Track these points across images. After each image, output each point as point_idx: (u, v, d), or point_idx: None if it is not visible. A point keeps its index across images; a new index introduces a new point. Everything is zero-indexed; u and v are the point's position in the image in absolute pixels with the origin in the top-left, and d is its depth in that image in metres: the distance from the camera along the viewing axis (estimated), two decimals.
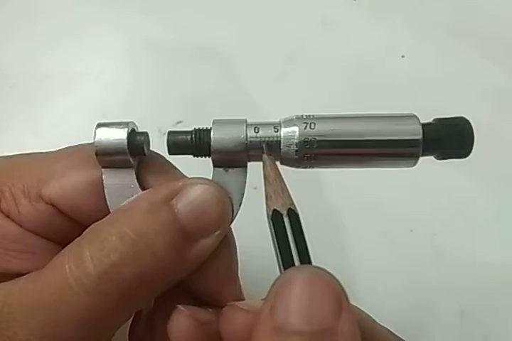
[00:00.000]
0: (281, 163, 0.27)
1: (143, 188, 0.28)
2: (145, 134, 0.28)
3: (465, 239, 0.47)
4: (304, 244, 0.23)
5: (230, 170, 0.27)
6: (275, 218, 0.24)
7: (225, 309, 0.27)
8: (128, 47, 0.57)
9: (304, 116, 0.26)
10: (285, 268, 0.23)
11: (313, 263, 0.23)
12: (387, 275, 0.46)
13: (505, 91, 0.54)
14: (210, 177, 0.27)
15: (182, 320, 0.27)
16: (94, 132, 0.27)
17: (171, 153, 0.27)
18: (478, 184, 0.49)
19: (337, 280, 0.21)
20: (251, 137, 0.26)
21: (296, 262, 0.23)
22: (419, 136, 0.26)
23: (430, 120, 0.27)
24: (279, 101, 0.53)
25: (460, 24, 0.58)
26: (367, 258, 0.47)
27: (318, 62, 0.56)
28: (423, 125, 0.26)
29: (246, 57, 0.56)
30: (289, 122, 0.26)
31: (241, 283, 0.30)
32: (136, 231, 0.25)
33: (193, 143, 0.27)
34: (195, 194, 0.26)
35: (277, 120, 0.27)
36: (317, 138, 0.26)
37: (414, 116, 0.26)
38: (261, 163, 0.26)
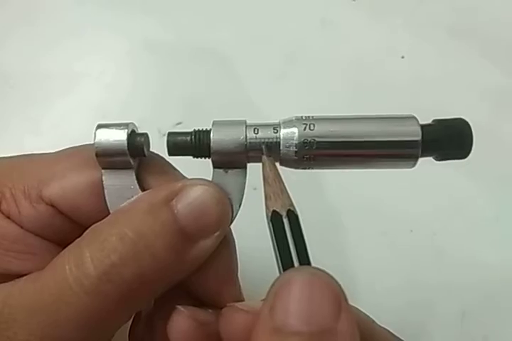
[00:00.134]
0: (281, 164, 0.27)
1: (143, 189, 0.28)
2: (145, 135, 0.28)
3: (465, 239, 0.47)
4: (303, 245, 0.23)
5: (230, 171, 0.27)
6: (274, 219, 0.24)
7: (224, 310, 0.27)
8: (128, 47, 0.57)
9: (304, 117, 0.26)
10: (284, 269, 0.23)
11: (313, 263, 0.23)
12: (386, 275, 0.46)
13: (504, 92, 0.54)
14: (210, 178, 0.27)
15: (182, 320, 0.27)
16: (95, 133, 0.27)
17: (170, 154, 0.27)
18: (477, 184, 0.49)
19: (336, 281, 0.21)
20: (250, 138, 0.26)
21: (296, 263, 0.23)
22: (418, 137, 0.26)
23: (429, 121, 0.27)
24: (279, 101, 0.53)
25: (460, 25, 0.58)
26: (366, 258, 0.47)
27: (318, 62, 0.56)
28: (422, 126, 0.26)
29: (246, 58, 0.56)
30: (289, 123, 0.26)
31: (240, 284, 0.30)
32: (136, 231, 0.25)
33: (193, 144, 0.27)
34: (194, 195, 0.26)
35: (277, 121, 0.27)
36: (316, 139, 0.26)
37: (413, 117, 0.26)
38: (260, 164, 0.26)
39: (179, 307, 0.27)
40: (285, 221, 0.24)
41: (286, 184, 0.25)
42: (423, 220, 0.48)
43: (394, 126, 0.26)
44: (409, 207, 0.49)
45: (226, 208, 0.27)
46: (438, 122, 0.27)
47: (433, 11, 0.59)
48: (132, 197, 0.27)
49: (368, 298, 0.40)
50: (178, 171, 0.30)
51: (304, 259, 0.23)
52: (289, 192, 0.25)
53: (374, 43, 0.57)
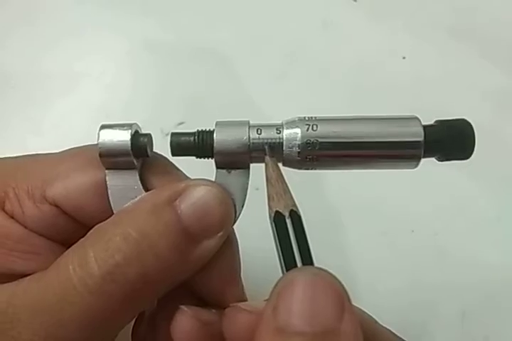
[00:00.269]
0: (284, 165, 0.27)
1: (146, 189, 0.28)
2: (148, 136, 0.28)
3: (466, 239, 0.48)
4: (306, 245, 0.23)
5: (233, 171, 0.27)
6: (277, 220, 0.24)
7: (227, 310, 0.27)
8: (128, 47, 0.57)
9: (306, 118, 0.26)
10: (287, 270, 0.23)
11: (315, 264, 0.23)
12: (388, 275, 0.46)
13: (506, 93, 0.54)
14: (213, 179, 0.27)
15: (185, 320, 0.27)
16: (98, 134, 0.27)
17: (174, 154, 0.28)
18: (479, 184, 0.49)
19: (339, 282, 0.21)
20: (253, 139, 0.26)
21: (299, 263, 0.23)
22: (421, 138, 0.26)
23: (431, 121, 0.27)
24: (279, 101, 0.54)
25: (460, 26, 0.58)
26: (368, 258, 0.47)
27: (319, 63, 0.57)
28: (425, 127, 0.26)
29: (246, 58, 0.56)
30: (292, 124, 0.26)
31: (243, 284, 0.30)
32: (140, 231, 0.25)
33: (196, 144, 0.27)
34: (198, 195, 0.26)
35: (279, 122, 0.27)
36: (319, 139, 0.26)
37: (416, 118, 0.26)
38: (263, 164, 0.26)
39: (182, 307, 0.28)
40: (288, 221, 0.24)
41: (288, 184, 0.25)
42: (424, 220, 0.48)
43: (397, 127, 0.26)
44: (410, 206, 0.49)
45: (229, 208, 0.27)
46: (440, 123, 0.27)
47: (433, 11, 0.59)
48: (136, 197, 0.27)
49: (369, 298, 0.40)
50: (182, 171, 0.30)
51: (307, 259, 0.23)
52: (291, 192, 0.25)
53: (375, 44, 0.57)
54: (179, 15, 0.59)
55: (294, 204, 0.24)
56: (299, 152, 0.26)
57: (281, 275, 0.22)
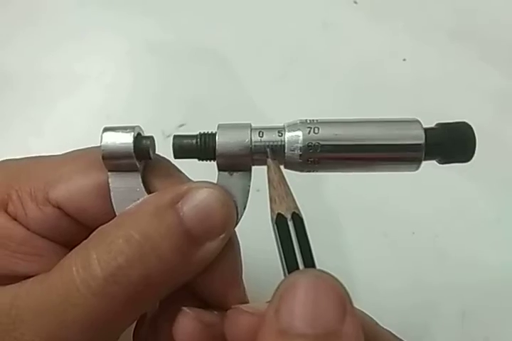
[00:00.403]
0: (285, 167, 0.27)
1: (149, 192, 0.28)
2: (151, 138, 0.28)
3: (466, 240, 0.48)
4: (308, 247, 0.23)
5: (235, 173, 0.28)
6: (279, 222, 0.24)
7: (229, 311, 0.27)
8: (129, 48, 0.57)
9: (308, 121, 0.27)
10: (289, 272, 0.23)
11: (317, 266, 0.23)
12: (388, 276, 0.46)
13: (507, 95, 0.54)
14: (215, 181, 0.27)
15: (187, 321, 0.27)
16: (101, 136, 0.27)
17: (176, 156, 0.28)
18: (478, 186, 0.50)
19: (341, 284, 0.21)
20: (255, 141, 0.27)
21: (301, 266, 0.23)
22: (422, 141, 0.26)
23: (432, 123, 0.27)
24: (280, 102, 0.54)
25: (461, 27, 0.58)
26: (368, 260, 0.47)
27: (319, 64, 0.57)
28: (425, 130, 0.26)
29: (247, 59, 0.57)
30: (293, 126, 0.27)
31: (245, 286, 0.30)
32: (142, 234, 0.25)
33: (198, 147, 0.27)
34: (200, 197, 0.26)
35: (281, 124, 0.27)
36: (321, 142, 0.26)
37: (417, 121, 0.27)
38: (265, 167, 0.26)
39: (184, 308, 0.28)
40: (290, 224, 0.24)
41: (290, 187, 0.25)
42: (425, 222, 0.48)
43: (398, 130, 0.26)
44: (411, 208, 0.49)
45: (231, 210, 0.27)
46: (441, 126, 0.27)
47: (434, 13, 0.60)
48: (138, 199, 0.27)
49: (369, 300, 0.40)
50: (184, 174, 0.30)
51: (309, 262, 0.23)
52: (293, 195, 0.25)
53: (375, 46, 0.58)
54: (179, 16, 0.59)
55: (296, 207, 0.24)
56: (300, 154, 0.26)
57: (283, 277, 0.22)
